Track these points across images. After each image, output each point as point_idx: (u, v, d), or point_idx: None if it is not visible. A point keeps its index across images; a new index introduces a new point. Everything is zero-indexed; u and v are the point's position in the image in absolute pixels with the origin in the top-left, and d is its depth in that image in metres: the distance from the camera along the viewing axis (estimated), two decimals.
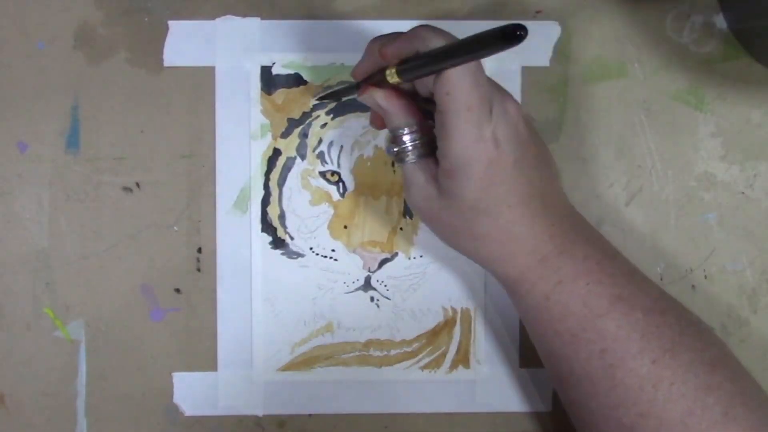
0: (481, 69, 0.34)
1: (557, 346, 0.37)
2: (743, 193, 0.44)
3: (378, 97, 0.37)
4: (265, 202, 0.44)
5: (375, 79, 0.37)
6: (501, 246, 0.36)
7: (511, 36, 0.28)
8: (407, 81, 0.35)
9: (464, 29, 0.43)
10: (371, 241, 0.44)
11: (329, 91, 0.42)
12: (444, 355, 0.44)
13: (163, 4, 0.43)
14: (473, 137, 0.34)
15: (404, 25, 0.43)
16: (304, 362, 0.44)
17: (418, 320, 0.44)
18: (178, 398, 0.44)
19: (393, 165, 0.44)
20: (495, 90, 0.35)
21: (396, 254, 0.44)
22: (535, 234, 0.36)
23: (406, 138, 0.37)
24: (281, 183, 0.44)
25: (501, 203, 0.35)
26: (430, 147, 0.37)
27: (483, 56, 0.31)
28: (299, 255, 0.44)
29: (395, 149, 0.37)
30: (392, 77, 0.35)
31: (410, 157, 0.37)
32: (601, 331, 0.35)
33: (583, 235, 0.38)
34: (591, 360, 0.35)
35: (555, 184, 0.38)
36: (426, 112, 0.37)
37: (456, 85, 0.33)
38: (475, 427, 0.44)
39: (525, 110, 0.44)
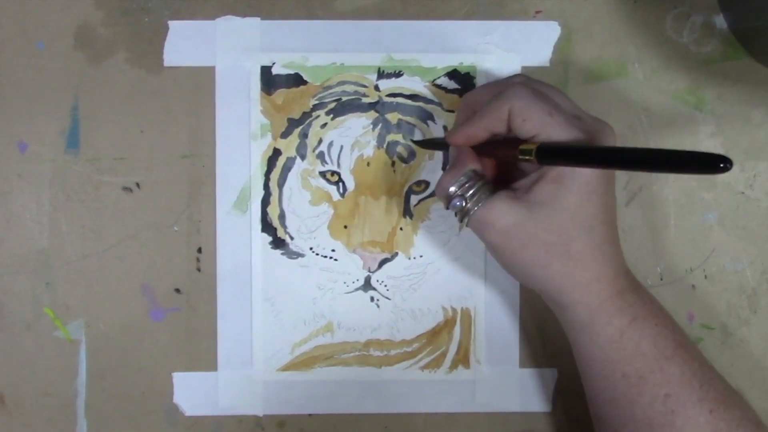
0: None
1: (622, 389, 0.36)
2: (743, 193, 0.44)
3: (466, 152, 0.38)
4: (265, 202, 0.44)
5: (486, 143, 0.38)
6: (592, 267, 0.36)
7: (711, 163, 0.28)
8: (544, 164, 0.36)
9: (464, 29, 0.44)
10: (371, 241, 0.44)
11: (428, 140, 0.43)
12: (444, 355, 0.44)
13: (163, 4, 0.43)
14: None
15: (404, 25, 0.43)
16: (304, 362, 0.44)
17: (418, 320, 0.44)
18: (178, 398, 0.44)
19: (393, 165, 0.44)
20: (593, 116, 0.37)
21: (396, 254, 0.44)
22: (618, 259, 0.37)
23: (470, 183, 0.37)
24: (281, 183, 0.44)
25: (597, 217, 0.35)
26: (492, 188, 0.37)
27: (661, 171, 0.31)
28: (299, 255, 0.44)
29: (462, 199, 0.37)
30: (526, 156, 0.35)
31: (480, 199, 0.37)
32: (668, 375, 0.36)
33: (640, 282, 0.38)
34: (654, 405, 0.35)
35: (617, 222, 0.39)
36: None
37: None
38: (475, 427, 0.44)
39: None
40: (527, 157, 0.35)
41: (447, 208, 0.38)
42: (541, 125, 0.35)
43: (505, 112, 0.36)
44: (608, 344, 0.36)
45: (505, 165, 0.40)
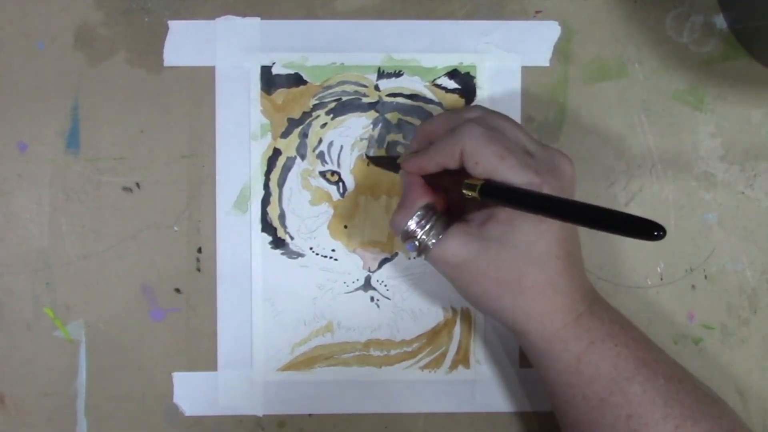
0: None
1: (583, 411, 0.37)
2: (743, 193, 0.44)
3: (412, 179, 0.39)
4: (265, 202, 0.44)
5: (432, 174, 0.38)
6: (545, 300, 0.36)
7: (646, 230, 0.28)
8: (486, 201, 0.36)
9: (464, 29, 0.44)
10: (371, 241, 0.44)
11: (382, 157, 0.43)
12: (444, 355, 0.44)
13: (163, 4, 0.43)
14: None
15: (404, 25, 0.43)
16: (304, 362, 0.44)
17: (418, 320, 0.44)
18: (178, 398, 0.44)
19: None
20: (549, 147, 0.37)
21: (396, 254, 0.44)
22: (574, 290, 0.37)
23: (424, 221, 0.37)
24: (281, 183, 0.44)
25: (549, 253, 0.35)
26: (445, 221, 0.38)
27: (595, 229, 0.30)
28: (299, 255, 0.44)
29: (416, 239, 0.37)
30: (470, 192, 0.35)
31: (435, 235, 0.37)
32: (628, 395, 0.35)
33: (603, 305, 0.38)
34: (616, 425, 0.35)
35: (580, 250, 0.39)
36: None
37: None
38: (475, 427, 0.44)
39: (525, 111, 0.44)
40: (471, 193, 0.36)
41: (403, 243, 0.38)
42: (493, 168, 0.35)
43: (457, 152, 0.36)
44: (566, 369, 0.37)
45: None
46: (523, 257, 0.35)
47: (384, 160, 0.43)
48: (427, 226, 0.37)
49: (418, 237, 0.37)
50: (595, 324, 0.37)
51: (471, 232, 0.36)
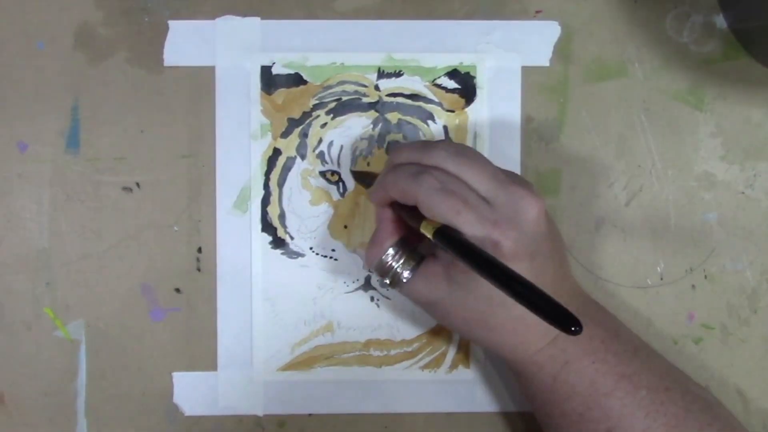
0: None
1: (564, 425, 0.37)
2: (743, 193, 0.44)
3: (382, 213, 0.39)
4: (265, 201, 0.44)
5: (394, 204, 0.39)
6: (514, 335, 0.36)
7: (564, 323, 0.28)
8: (437, 246, 0.36)
9: (464, 29, 0.44)
10: None
11: (363, 173, 0.44)
12: (444, 355, 0.44)
13: (163, 4, 0.43)
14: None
15: (404, 25, 0.43)
16: (304, 362, 0.44)
17: (418, 320, 0.44)
18: (178, 398, 0.44)
19: None
20: (514, 187, 0.35)
21: None
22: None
23: (397, 257, 0.39)
24: (281, 183, 0.44)
25: None
26: (416, 255, 0.39)
27: (522, 304, 0.30)
28: (299, 255, 0.44)
29: (388, 276, 0.39)
30: (426, 230, 0.36)
31: (406, 272, 0.38)
32: (607, 410, 0.36)
33: (588, 316, 0.38)
34: None
35: (564, 270, 0.39)
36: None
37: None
38: (475, 427, 0.44)
39: (525, 111, 0.44)
40: (427, 234, 0.36)
41: (377, 277, 0.39)
42: (449, 222, 0.35)
43: (413, 200, 0.36)
44: (542, 389, 0.37)
45: None
46: (485, 302, 0.36)
47: (364, 176, 0.44)
48: (399, 263, 0.39)
49: (390, 273, 0.39)
50: (571, 343, 0.37)
51: (438, 273, 0.37)
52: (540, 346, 0.37)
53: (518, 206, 0.35)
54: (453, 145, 0.38)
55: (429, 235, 0.36)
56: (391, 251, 0.39)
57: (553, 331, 0.36)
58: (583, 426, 0.36)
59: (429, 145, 0.38)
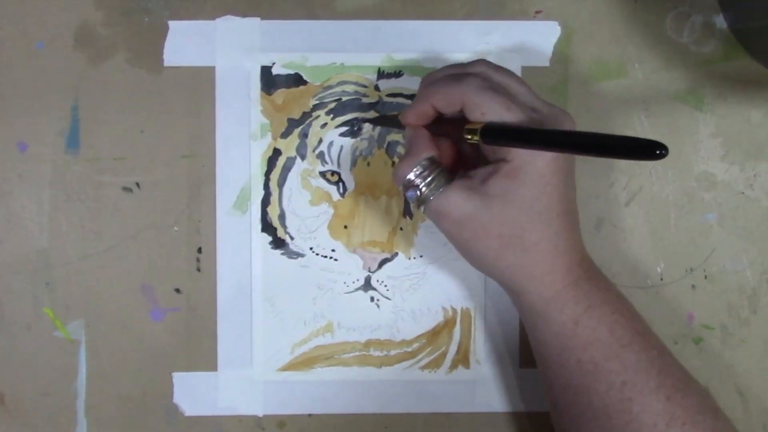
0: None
1: (577, 376, 0.36)
2: (743, 193, 0.44)
3: (416, 131, 0.38)
4: (265, 202, 0.44)
5: (431, 122, 0.38)
6: (546, 259, 0.36)
7: (648, 150, 0.27)
8: (488, 144, 0.35)
9: (464, 29, 0.44)
10: (371, 241, 0.44)
11: (385, 117, 0.43)
12: (444, 355, 0.44)
13: (163, 4, 0.43)
14: None
15: (404, 25, 0.43)
16: (304, 362, 0.44)
17: (418, 320, 0.44)
18: (178, 398, 0.44)
19: (393, 165, 0.44)
20: (553, 105, 0.36)
21: (396, 254, 0.44)
22: (574, 250, 0.37)
23: (427, 172, 0.37)
24: (281, 183, 0.44)
25: (552, 209, 0.35)
26: (448, 175, 0.37)
27: (601, 156, 0.30)
28: (299, 255, 0.44)
29: (418, 189, 0.37)
30: (471, 134, 0.35)
31: (436, 187, 0.37)
32: (624, 362, 0.35)
33: (598, 269, 0.38)
34: (610, 392, 0.35)
35: (577, 211, 0.38)
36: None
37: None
38: (475, 427, 0.44)
39: None
40: (473, 137, 0.35)
41: (404, 193, 0.37)
42: (499, 118, 0.34)
43: (458, 101, 0.35)
44: (562, 331, 0.36)
45: (464, 147, 0.39)
46: (526, 213, 0.35)
47: (385, 119, 0.43)
48: (429, 178, 0.36)
49: (420, 186, 0.36)
50: (593, 288, 0.37)
51: (473, 187, 0.36)
52: (566, 282, 0.36)
53: (560, 119, 0.36)
54: (490, 62, 0.38)
55: (476, 136, 0.35)
56: (422, 164, 0.36)
57: (576, 269, 0.36)
58: (600, 376, 0.36)
59: (465, 63, 0.38)
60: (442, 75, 0.38)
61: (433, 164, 0.37)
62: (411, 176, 0.36)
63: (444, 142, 0.39)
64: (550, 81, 0.44)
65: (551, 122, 0.35)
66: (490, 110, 0.35)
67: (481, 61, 0.38)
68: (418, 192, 0.37)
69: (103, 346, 0.44)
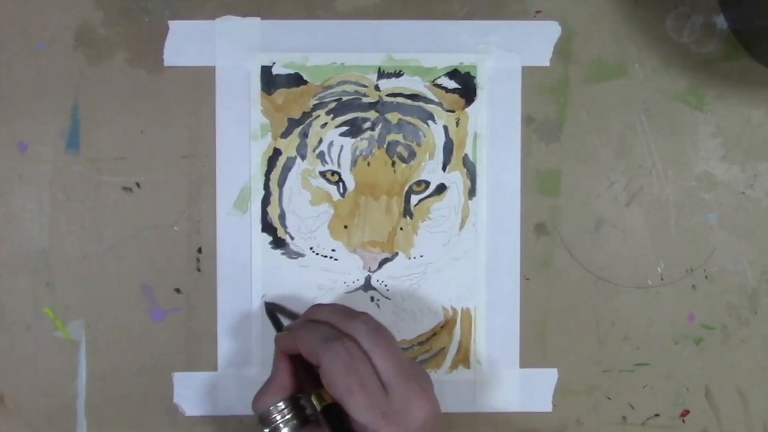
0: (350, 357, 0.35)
1: None
2: (743, 193, 0.44)
3: (282, 362, 0.39)
4: (266, 202, 0.44)
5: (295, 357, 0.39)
6: None
7: None
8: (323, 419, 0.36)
9: (464, 29, 0.44)
10: (371, 241, 0.44)
11: (274, 315, 0.43)
12: (444, 355, 0.44)
13: (163, 4, 0.43)
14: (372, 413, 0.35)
15: (404, 25, 0.43)
16: None
17: (419, 320, 0.44)
18: (178, 398, 0.44)
19: (393, 165, 0.44)
20: (413, 383, 0.36)
21: (396, 254, 0.44)
22: None
23: (282, 414, 0.38)
24: (281, 183, 0.44)
25: None
26: (301, 418, 0.38)
27: None
28: (299, 255, 0.44)
29: (270, 426, 0.38)
30: (317, 401, 0.37)
31: (291, 428, 0.38)
32: None
33: None
34: None
35: None
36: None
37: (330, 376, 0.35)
38: (475, 427, 0.44)
39: (525, 111, 0.44)
40: (316, 404, 0.36)
41: (257, 423, 0.39)
42: (340, 399, 0.35)
43: (317, 361, 0.36)
44: None
45: None
46: None
47: (273, 317, 0.43)
48: (284, 419, 0.38)
49: (271, 427, 0.38)
50: None
51: None
52: None
53: (411, 403, 0.35)
54: (373, 321, 0.38)
55: (318, 407, 0.36)
56: (280, 405, 0.38)
57: None
58: None
59: (352, 313, 0.38)
60: (325, 318, 0.38)
61: (289, 404, 0.38)
62: (267, 412, 0.38)
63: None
64: (550, 81, 0.44)
65: (399, 406, 0.35)
66: (335, 387, 0.35)
67: (362, 319, 0.38)
68: (271, 429, 0.38)
69: (103, 346, 0.44)
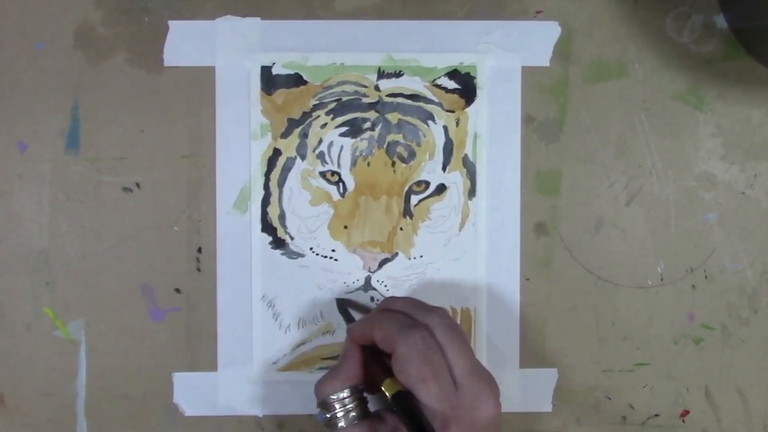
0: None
1: None
2: (743, 193, 0.44)
3: (352, 351, 0.39)
4: (265, 202, 0.44)
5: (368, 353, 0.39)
6: None
7: None
8: (393, 407, 0.36)
9: (464, 29, 0.44)
10: (371, 241, 0.44)
11: (347, 304, 0.43)
12: None
13: (163, 4, 0.43)
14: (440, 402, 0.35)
15: (404, 25, 0.43)
16: (304, 362, 0.44)
17: None
18: (178, 398, 0.44)
19: (393, 165, 0.44)
20: (483, 383, 0.36)
21: (396, 254, 0.44)
22: None
23: (348, 400, 0.37)
24: (281, 183, 0.44)
25: None
26: (364, 408, 0.38)
27: None
28: (299, 255, 0.44)
29: (331, 413, 0.37)
30: (387, 388, 0.36)
31: (348, 418, 0.37)
32: None
33: None
34: None
35: None
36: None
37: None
38: None
39: (525, 111, 0.44)
40: (386, 391, 0.36)
41: (316, 407, 0.38)
42: (412, 387, 0.35)
43: (390, 348, 0.36)
44: None
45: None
46: None
47: (353, 305, 0.43)
48: (347, 407, 0.37)
49: (331, 413, 0.37)
50: None
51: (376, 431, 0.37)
52: None
53: (480, 402, 0.36)
54: (449, 317, 0.38)
55: (388, 394, 0.36)
56: (344, 393, 0.37)
57: None
58: None
59: (428, 307, 0.39)
60: (400, 307, 0.39)
61: (354, 393, 0.38)
62: (331, 398, 0.37)
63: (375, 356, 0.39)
64: (550, 81, 0.44)
65: (468, 402, 0.35)
66: (407, 375, 0.35)
67: (438, 312, 0.38)
68: (328, 416, 0.37)
69: (103, 346, 0.44)
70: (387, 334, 0.37)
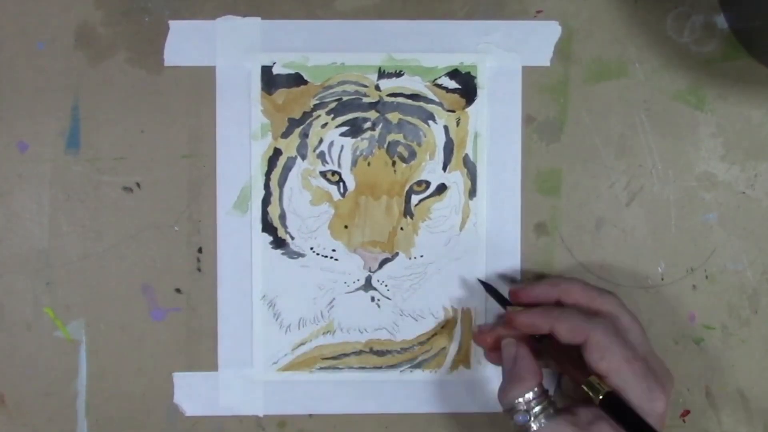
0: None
1: None
2: (744, 193, 0.44)
3: (522, 350, 0.39)
4: (266, 202, 0.44)
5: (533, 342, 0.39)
6: None
7: None
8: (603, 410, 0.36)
9: (465, 29, 0.44)
10: (372, 241, 0.44)
11: (493, 289, 0.43)
12: (445, 355, 0.44)
13: (163, 4, 0.43)
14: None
15: (404, 25, 0.43)
16: (305, 362, 0.44)
17: (419, 320, 0.44)
18: (178, 398, 0.44)
19: (393, 165, 0.44)
20: (656, 356, 0.38)
21: (397, 254, 0.44)
22: None
23: (535, 402, 0.37)
24: (282, 183, 0.44)
25: None
26: (554, 407, 0.37)
27: None
28: (300, 255, 0.44)
29: (525, 416, 0.37)
30: (591, 390, 0.36)
31: (542, 418, 0.37)
32: None
33: None
34: None
35: None
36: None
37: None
38: (476, 428, 0.44)
39: (525, 111, 0.44)
40: (590, 394, 0.36)
41: (506, 413, 0.38)
42: (617, 370, 0.36)
43: (582, 338, 0.36)
44: None
45: (548, 355, 0.40)
46: None
47: (494, 292, 0.43)
48: (537, 408, 0.37)
49: (527, 416, 0.37)
50: None
51: (581, 427, 0.36)
52: None
53: (665, 370, 0.38)
54: (621, 301, 0.40)
55: (594, 397, 0.36)
56: (530, 394, 0.37)
57: None
58: None
59: (601, 290, 0.39)
60: (574, 299, 0.39)
61: (541, 394, 0.37)
62: (520, 402, 0.37)
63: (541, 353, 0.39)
64: (550, 81, 0.44)
65: (662, 374, 0.37)
66: (610, 357, 0.36)
67: (613, 296, 0.39)
68: (527, 418, 0.37)
69: (103, 346, 0.44)
70: (575, 325, 0.37)
